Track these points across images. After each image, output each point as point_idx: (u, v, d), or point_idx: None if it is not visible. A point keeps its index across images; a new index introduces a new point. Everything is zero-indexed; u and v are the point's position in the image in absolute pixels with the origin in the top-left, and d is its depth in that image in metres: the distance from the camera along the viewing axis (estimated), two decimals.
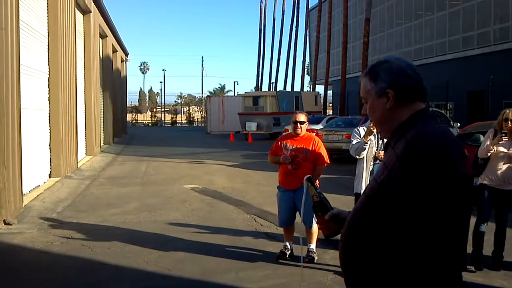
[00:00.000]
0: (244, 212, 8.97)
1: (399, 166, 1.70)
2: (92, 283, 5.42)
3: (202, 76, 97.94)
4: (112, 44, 26.66)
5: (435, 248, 1.68)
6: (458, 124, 16.13)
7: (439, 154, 1.65)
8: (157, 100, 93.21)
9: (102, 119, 23.12)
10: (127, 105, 45.33)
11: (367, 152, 5.43)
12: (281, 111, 29.02)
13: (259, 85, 60.20)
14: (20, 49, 8.97)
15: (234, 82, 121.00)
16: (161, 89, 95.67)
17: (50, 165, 12.42)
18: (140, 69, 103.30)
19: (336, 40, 43.74)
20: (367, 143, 5.34)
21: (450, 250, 1.71)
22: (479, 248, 5.72)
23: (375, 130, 5.28)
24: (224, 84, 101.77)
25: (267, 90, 53.23)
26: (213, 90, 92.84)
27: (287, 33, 59.44)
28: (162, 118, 64.58)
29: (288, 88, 51.21)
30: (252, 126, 29.31)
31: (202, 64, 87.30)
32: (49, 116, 12.45)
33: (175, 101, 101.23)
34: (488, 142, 5.72)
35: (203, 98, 72.58)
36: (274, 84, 57.29)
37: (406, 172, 1.67)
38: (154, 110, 72.85)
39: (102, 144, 22.61)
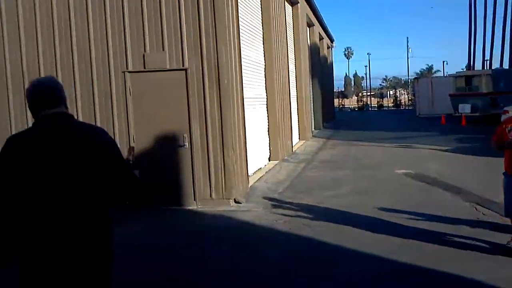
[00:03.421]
0: (463, 199, 8.54)
1: None
2: (317, 261, 5.76)
3: (407, 58, 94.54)
4: (319, 32, 27.34)
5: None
6: None
7: (6, 145, 2.68)
8: (362, 84, 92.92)
9: (312, 105, 23.98)
10: (334, 90, 46.05)
11: None
12: (499, 91, 26.54)
13: (471, 63, 55.61)
14: (241, 43, 9.80)
15: (443, 62, 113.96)
16: (365, 73, 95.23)
17: (269, 149, 13.40)
18: (345, 54, 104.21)
19: None
20: None
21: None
22: None
23: None
24: (432, 65, 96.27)
25: (480, 68, 48.97)
26: (420, 71, 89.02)
27: (502, 3, 53.25)
28: (368, 102, 64.04)
29: (505, 66, 46.36)
30: (465, 108, 27.39)
31: (408, 45, 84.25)
32: (266, 104, 13.40)
33: (380, 84, 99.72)
34: None
35: (409, 80, 70.08)
36: (488, 61, 52.42)
37: None
38: (360, 94, 72.69)
39: (313, 129, 23.48)
